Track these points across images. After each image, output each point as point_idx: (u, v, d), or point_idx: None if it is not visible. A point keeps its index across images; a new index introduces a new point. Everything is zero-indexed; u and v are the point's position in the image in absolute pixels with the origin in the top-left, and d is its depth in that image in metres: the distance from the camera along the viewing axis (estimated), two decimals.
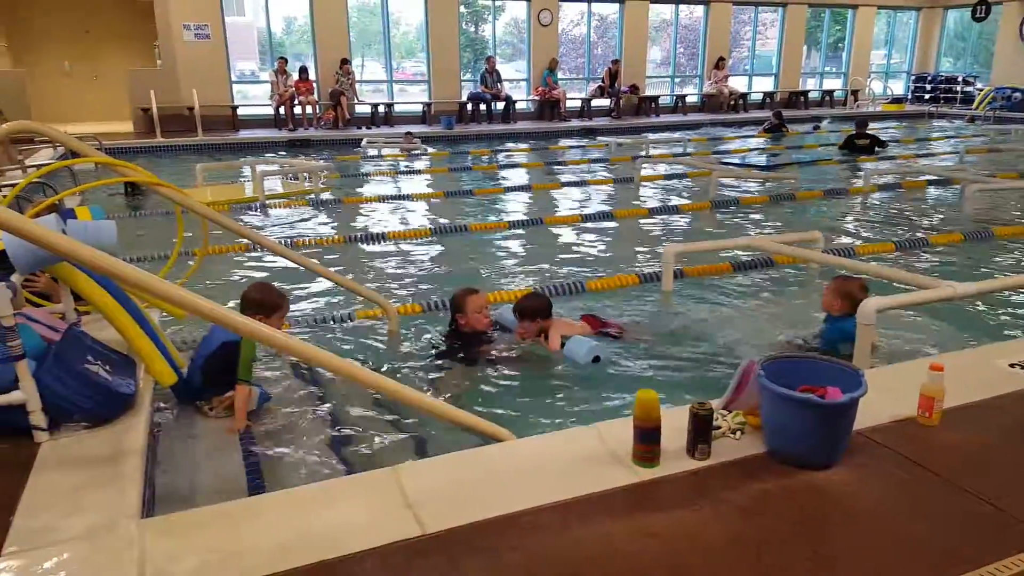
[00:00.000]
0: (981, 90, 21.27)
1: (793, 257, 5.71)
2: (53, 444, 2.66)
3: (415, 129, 15.81)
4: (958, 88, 22.49)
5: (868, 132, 13.71)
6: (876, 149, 13.37)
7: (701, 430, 2.50)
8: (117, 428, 2.76)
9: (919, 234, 7.50)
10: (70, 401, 2.70)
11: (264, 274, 6.10)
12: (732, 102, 20.73)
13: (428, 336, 4.68)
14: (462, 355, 4.29)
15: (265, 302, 3.71)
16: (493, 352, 4.33)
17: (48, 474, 2.47)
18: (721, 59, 20.71)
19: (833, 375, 2.58)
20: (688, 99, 21.10)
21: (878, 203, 9.44)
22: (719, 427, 2.64)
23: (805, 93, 22.33)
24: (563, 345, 4.27)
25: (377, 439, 3.45)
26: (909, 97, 23.79)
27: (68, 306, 3.39)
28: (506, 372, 4.19)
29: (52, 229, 2.49)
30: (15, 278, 2.81)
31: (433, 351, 4.45)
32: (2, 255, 2.79)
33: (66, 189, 6.57)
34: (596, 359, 4.17)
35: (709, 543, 2.11)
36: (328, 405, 3.75)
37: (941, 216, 8.69)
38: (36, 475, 2.45)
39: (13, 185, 6.22)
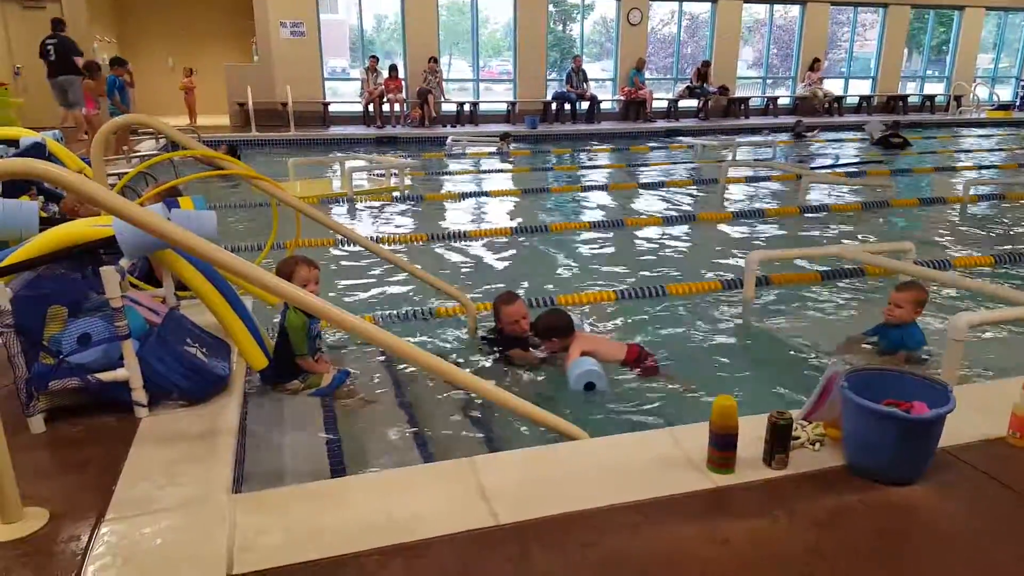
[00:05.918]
0: None
1: (884, 268, 5.54)
2: (152, 420, 2.81)
3: (506, 129, 15.90)
4: None
5: (900, 134, 15.20)
6: (905, 146, 14.76)
7: (779, 439, 2.47)
8: (211, 407, 2.90)
9: (1020, 247, 7.17)
10: (169, 380, 2.85)
11: (351, 265, 6.29)
12: (827, 105, 20.14)
13: None
14: (497, 356, 4.33)
15: (280, 270, 3.77)
16: (530, 356, 4.28)
17: (147, 447, 2.61)
18: (816, 60, 20.17)
19: (920, 390, 2.51)
20: (780, 101, 20.59)
21: (978, 214, 9.05)
22: (798, 437, 2.60)
23: (904, 98, 21.52)
24: None
25: (453, 429, 3.53)
26: (1018, 104, 22.63)
27: (169, 290, 3.57)
28: (540, 377, 4.17)
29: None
30: (123, 262, 2.97)
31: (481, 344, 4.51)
32: (110, 240, 2.96)
33: (165, 177, 6.90)
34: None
35: (783, 553, 2.09)
36: (408, 394, 3.86)
37: None
38: (136, 448, 2.60)
39: (120, 173, 6.58)
